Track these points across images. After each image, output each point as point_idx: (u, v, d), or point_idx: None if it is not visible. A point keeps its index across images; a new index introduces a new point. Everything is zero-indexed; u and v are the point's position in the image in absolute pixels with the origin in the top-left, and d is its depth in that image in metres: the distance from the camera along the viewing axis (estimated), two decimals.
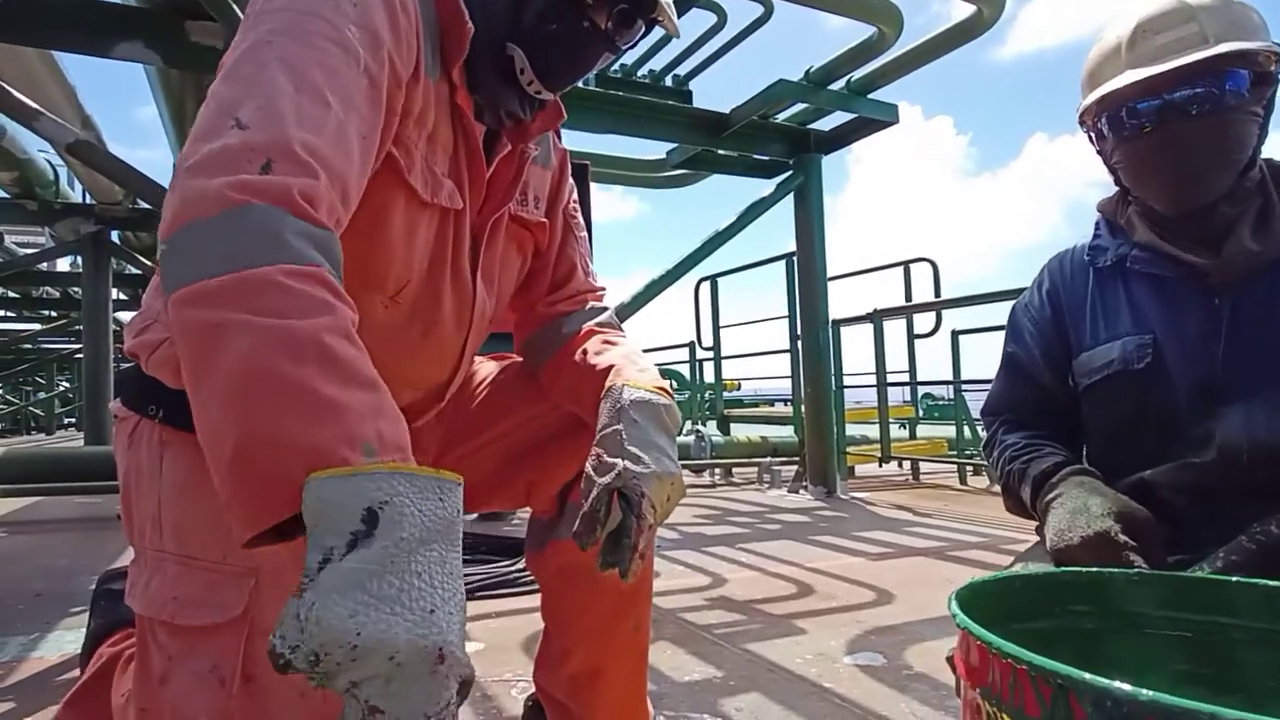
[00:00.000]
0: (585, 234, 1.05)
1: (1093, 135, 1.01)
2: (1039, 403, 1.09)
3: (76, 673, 1.45)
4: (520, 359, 1.04)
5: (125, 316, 10.90)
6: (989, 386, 1.17)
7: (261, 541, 0.53)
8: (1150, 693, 0.34)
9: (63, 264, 9.79)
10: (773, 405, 10.84)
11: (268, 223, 0.55)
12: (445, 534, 0.51)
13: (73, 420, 16.59)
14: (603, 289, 1.05)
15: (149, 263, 7.19)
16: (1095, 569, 0.62)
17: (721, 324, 5.94)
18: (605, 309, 1.01)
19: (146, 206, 5.95)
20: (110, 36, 2.95)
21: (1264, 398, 0.89)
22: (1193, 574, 0.68)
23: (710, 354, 6.08)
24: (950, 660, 0.93)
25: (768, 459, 4.97)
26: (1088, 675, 0.36)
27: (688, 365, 6.60)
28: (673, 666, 1.50)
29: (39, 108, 2.97)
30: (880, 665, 1.50)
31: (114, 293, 6.91)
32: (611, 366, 0.86)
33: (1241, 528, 0.82)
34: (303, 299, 0.53)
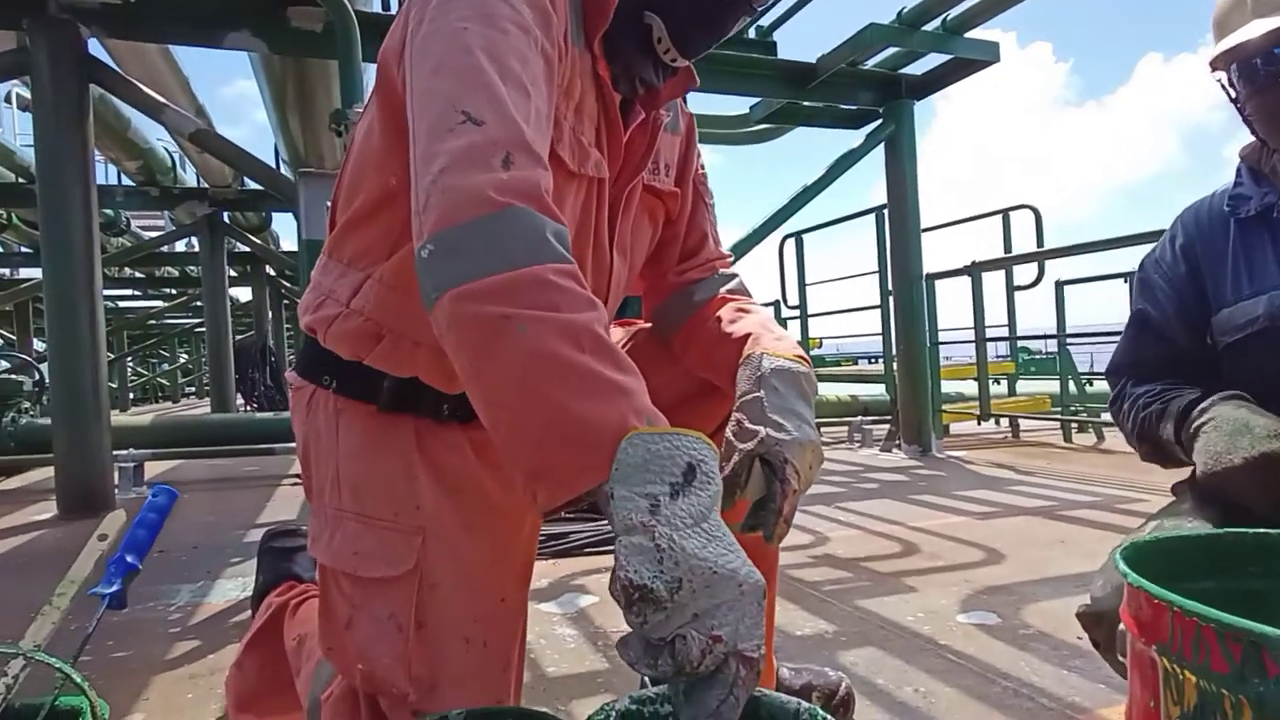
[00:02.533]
0: (713, 201, 1.05)
1: (1224, 85, 0.97)
2: (1172, 361, 1.04)
3: (244, 615, 1.63)
4: (648, 325, 1.07)
5: (236, 292, 11.67)
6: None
7: (555, 511, 0.58)
8: None
9: (177, 245, 10.56)
10: (856, 363, 10.58)
11: (531, 224, 0.60)
12: (720, 493, 0.56)
13: (192, 389, 18.02)
14: (731, 256, 1.06)
15: (257, 240, 7.66)
16: (1260, 530, 0.61)
17: (807, 281, 5.83)
18: (735, 275, 1.02)
19: (254, 187, 6.32)
20: (220, 27, 3.13)
21: None
22: None
23: (796, 313, 5.99)
24: (1080, 616, 0.92)
25: (858, 418, 4.90)
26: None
27: None
28: (785, 621, 1.54)
29: (164, 100, 3.19)
30: (995, 624, 1.50)
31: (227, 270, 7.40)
32: (749, 334, 0.87)
33: None
34: (572, 295, 0.59)
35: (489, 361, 0.57)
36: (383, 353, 0.82)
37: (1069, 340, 5.05)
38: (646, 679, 0.61)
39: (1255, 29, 0.86)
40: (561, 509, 0.57)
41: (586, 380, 0.56)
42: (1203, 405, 0.89)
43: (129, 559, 0.86)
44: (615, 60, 0.83)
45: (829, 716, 0.61)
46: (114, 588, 0.85)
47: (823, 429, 5.18)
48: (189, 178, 6.86)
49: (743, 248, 4.03)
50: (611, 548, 0.52)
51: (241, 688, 1.11)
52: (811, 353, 7.29)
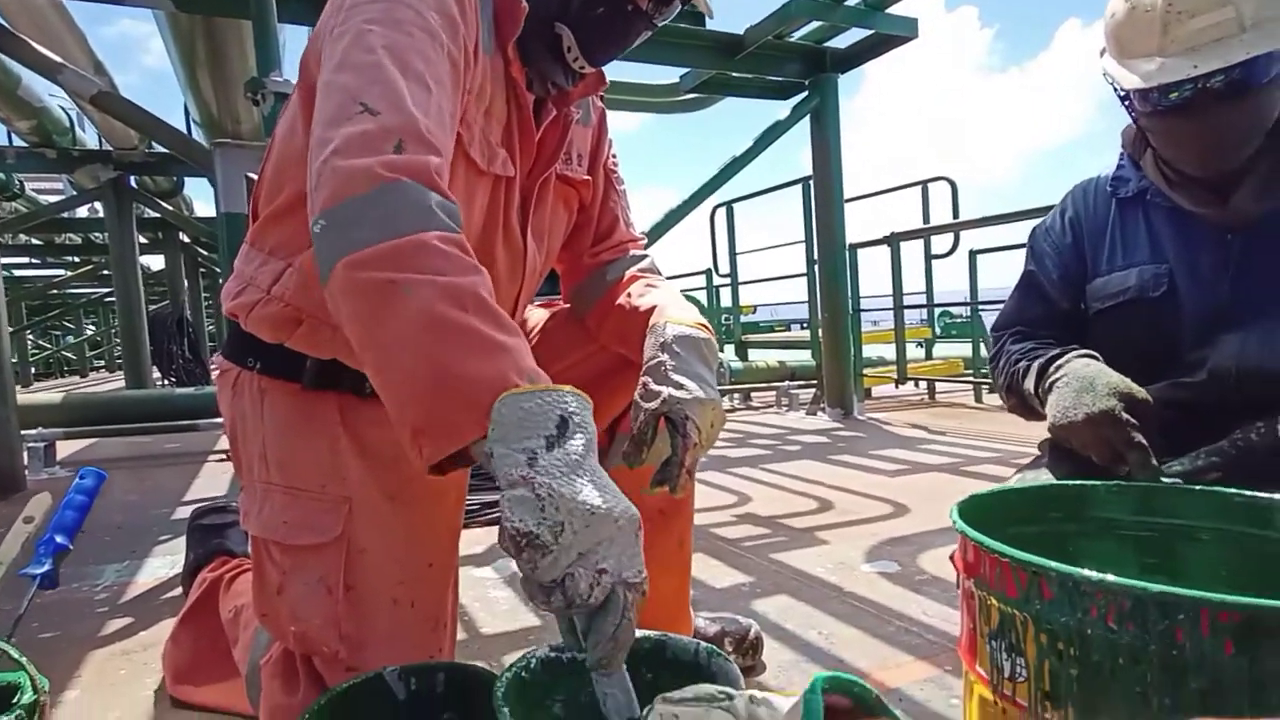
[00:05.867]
0: (625, 187, 1.12)
1: (1117, 92, 1.01)
2: (1050, 320, 1.15)
3: (175, 593, 1.63)
4: (567, 305, 1.13)
5: (147, 260, 11.04)
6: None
7: (443, 468, 0.62)
8: (1099, 575, 0.44)
9: (79, 209, 9.89)
10: (789, 328, 10.87)
11: (417, 196, 0.64)
12: (594, 440, 0.61)
13: (102, 363, 17.03)
14: (643, 238, 1.13)
15: (168, 206, 7.26)
16: (1078, 483, 0.72)
17: (738, 250, 5.96)
18: (646, 255, 1.09)
19: (162, 150, 5.98)
20: None
21: (1261, 327, 0.96)
22: (1164, 483, 0.77)
23: (727, 280, 6.12)
24: (952, 558, 1.04)
25: (786, 383, 5.09)
26: (1054, 563, 0.47)
27: (704, 292, 6.65)
28: (707, 575, 1.65)
29: (61, 60, 2.99)
30: (895, 571, 1.64)
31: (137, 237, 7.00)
32: (654, 306, 0.94)
33: (1221, 437, 0.90)
34: (456, 261, 0.63)
35: (377, 325, 0.61)
36: (303, 336, 0.86)
37: (982, 306, 5.35)
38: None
39: (1163, 75, 0.89)
40: (445, 467, 0.62)
41: (469, 339, 0.60)
42: (1059, 362, 0.98)
43: (59, 539, 0.88)
44: (529, 64, 0.88)
45: (724, 654, 0.69)
46: (45, 568, 0.87)
47: (753, 394, 5.39)
48: (89, 139, 6.43)
49: (673, 218, 4.10)
50: None
51: (178, 660, 1.14)
52: (744, 318, 7.47)
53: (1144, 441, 0.81)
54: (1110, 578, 0.44)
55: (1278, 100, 0.92)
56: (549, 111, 0.93)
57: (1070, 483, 0.73)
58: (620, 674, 0.60)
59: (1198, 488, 0.71)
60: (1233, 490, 0.68)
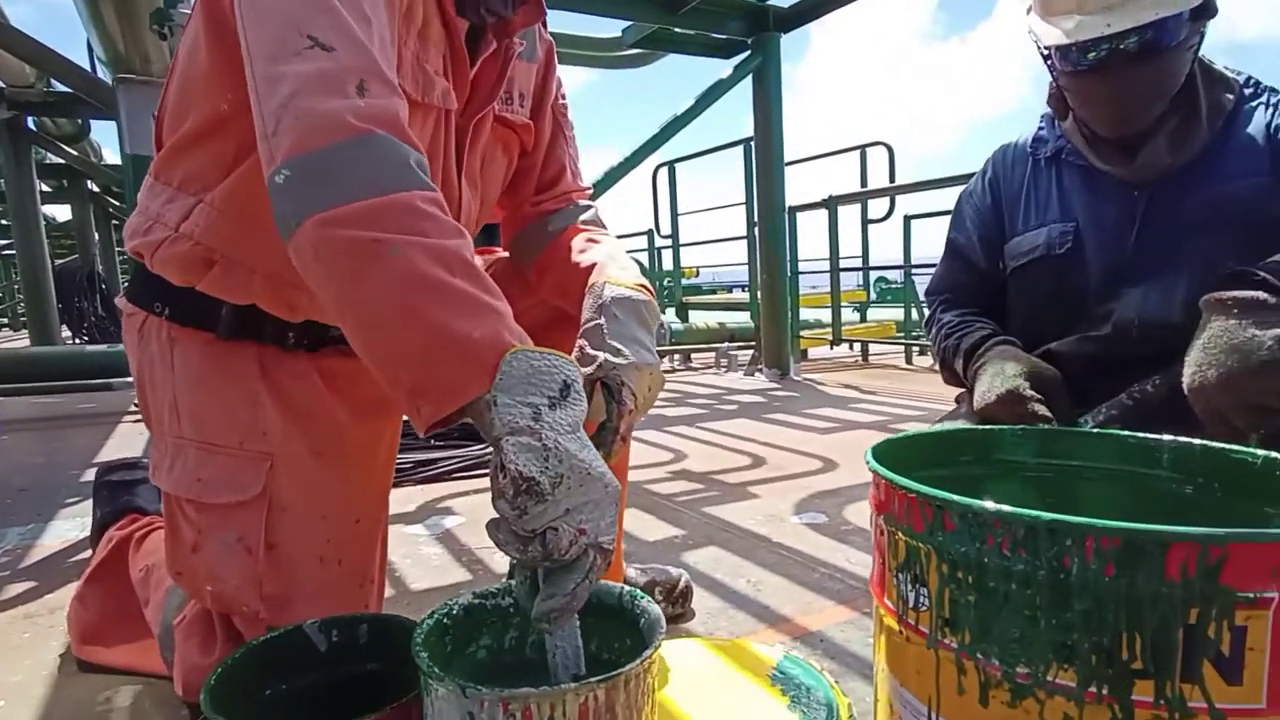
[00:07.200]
0: (574, 132, 1.06)
1: (1040, 51, 1.03)
2: (974, 285, 1.20)
3: (84, 555, 1.56)
4: (506, 254, 1.09)
5: (52, 210, 10.27)
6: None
7: (439, 425, 0.61)
8: (996, 506, 0.46)
9: None
10: (730, 291, 11.00)
11: (395, 151, 0.61)
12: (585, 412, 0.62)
13: (4, 320, 15.90)
14: (589, 189, 1.08)
15: (72, 151, 6.76)
16: (986, 427, 0.76)
17: (680, 211, 5.94)
18: (590, 207, 1.04)
19: (64, 90, 5.54)
20: None
21: (1162, 281, 1.01)
22: (1063, 428, 0.81)
23: (669, 241, 6.11)
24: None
25: (725, 344, 5.15)
26: (955, 497, 0.49)
27: (646, 253, 6.62)
28: (640, 529, 1.67)
29: None
30: (823, 523, 1.70)
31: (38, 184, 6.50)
32: (595, 264, 0.90)
33: (1127, 388, 0.96)
34: (439, 221, 0.61)
35: (361, 285, 0.59)
36: (215, 279, 0.81)
37: (915, 271, 5.50)
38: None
39: (1079, 33, 0.92)
40: (445, 423, 0.61)
41: (463, 301, 0.59)
42: (980, 351, 1.05)
43: None
44: None
45: (647, 595, 0.70)
46: None
47: (692, 355, 5.44)
48: None
49: (613, 177, 4.05)
50: (479, 472, 0.57)
51: (85, 621, 1.09)
52: (688, 281, 7.50)
53: (1047, 413, 0.87)
54: (1006, 508, 0.46)
55: (1185, 63, 0.96)
56: (489, 42, 0.86)
57: (978, 427, 0.76)
58: (572, 631, 0.62)
59: (1094, 430, 0.75)
60: (1126, 433, 0.72)
